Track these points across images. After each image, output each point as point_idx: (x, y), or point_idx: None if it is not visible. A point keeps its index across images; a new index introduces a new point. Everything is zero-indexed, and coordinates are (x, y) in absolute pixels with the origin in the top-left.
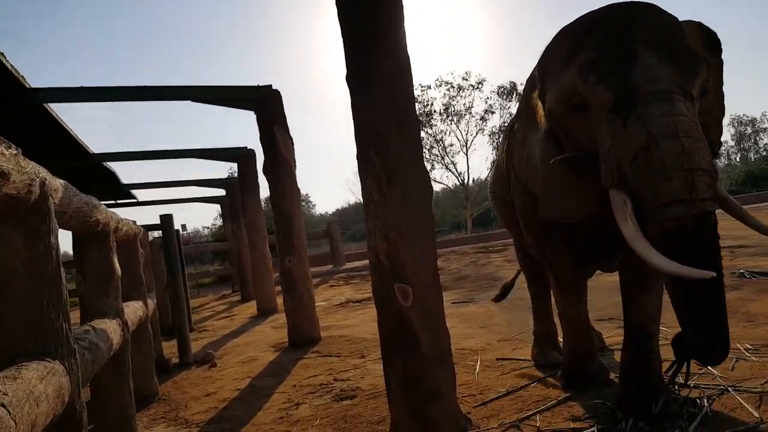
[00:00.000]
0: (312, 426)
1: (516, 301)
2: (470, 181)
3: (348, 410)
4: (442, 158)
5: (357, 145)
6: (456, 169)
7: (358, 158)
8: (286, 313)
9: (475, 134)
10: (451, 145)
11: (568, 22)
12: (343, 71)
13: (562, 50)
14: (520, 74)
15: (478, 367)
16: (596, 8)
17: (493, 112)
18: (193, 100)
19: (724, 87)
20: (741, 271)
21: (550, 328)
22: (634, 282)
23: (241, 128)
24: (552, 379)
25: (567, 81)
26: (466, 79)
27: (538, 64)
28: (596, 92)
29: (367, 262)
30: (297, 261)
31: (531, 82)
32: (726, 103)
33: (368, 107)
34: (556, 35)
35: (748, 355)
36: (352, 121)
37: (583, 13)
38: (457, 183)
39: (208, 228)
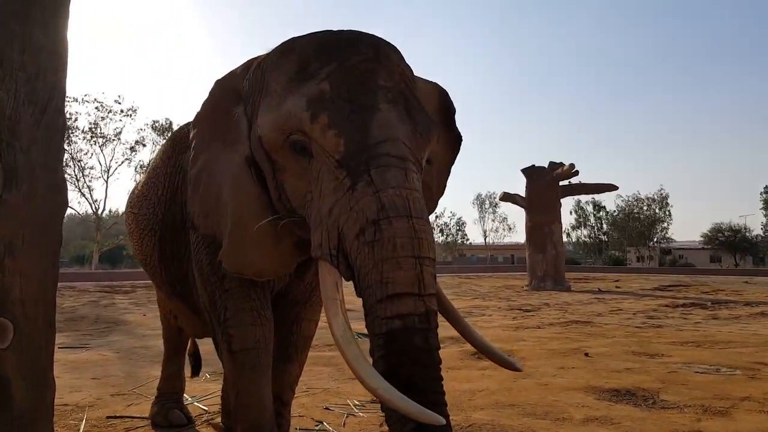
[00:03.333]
0: None
1: (139, 350)
2: (106, 212)
3: None
4: (77, 180)
5: None
6: (91, 196)
7: None
8: None
9: (120, 162)
10: (92, 168)
11: (299, 35)
12: None
13: (288, 67)
14: (176, 115)
15: (82, 427)
16: (331, 30)
17: (144, 145)
18: None
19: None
20: None
21: (179, 386)
22: (282, 349)
23: None
24: None
25: (291, 111)
26: (119, 102)
27: (258, 65)
28: (326, 138)
29: None
30: None
31: (231, 81)
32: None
33: (1, 79)
34: (283, 45)
35: (357, 411)
36: None
37: (317, 31)
38: (90, 211)
39: None
